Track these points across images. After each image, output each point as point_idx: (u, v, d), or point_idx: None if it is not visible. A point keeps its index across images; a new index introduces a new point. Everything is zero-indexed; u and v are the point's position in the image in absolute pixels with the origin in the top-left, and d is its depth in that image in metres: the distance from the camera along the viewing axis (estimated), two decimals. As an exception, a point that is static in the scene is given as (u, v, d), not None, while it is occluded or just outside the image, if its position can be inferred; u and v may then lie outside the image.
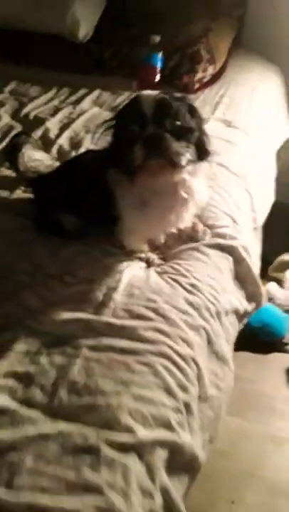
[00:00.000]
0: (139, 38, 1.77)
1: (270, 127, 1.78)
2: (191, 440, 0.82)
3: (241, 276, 1.20)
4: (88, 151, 1.21)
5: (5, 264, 1.02)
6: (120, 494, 0.66)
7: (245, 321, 1.25)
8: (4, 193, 1.25)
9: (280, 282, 2.01)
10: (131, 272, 1.02)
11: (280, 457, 1.54)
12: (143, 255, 1.09)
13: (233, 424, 1.64)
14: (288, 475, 1.50)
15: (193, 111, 0.94)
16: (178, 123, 0.89)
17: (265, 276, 1.98)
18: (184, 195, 0.96)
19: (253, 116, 1.69)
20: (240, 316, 1.18)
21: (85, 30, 1.82)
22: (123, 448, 0.71)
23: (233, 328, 1.13)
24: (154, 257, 1.10)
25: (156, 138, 0.87)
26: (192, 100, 0.99)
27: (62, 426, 0.73)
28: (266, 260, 2.00)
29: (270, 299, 1.95)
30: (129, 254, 1.08)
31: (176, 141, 0.88)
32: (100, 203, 1.01)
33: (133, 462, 0.71)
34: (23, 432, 0.71)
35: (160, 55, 1.71)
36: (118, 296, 0.95)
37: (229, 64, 1.90)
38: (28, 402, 0.77)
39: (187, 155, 0.89)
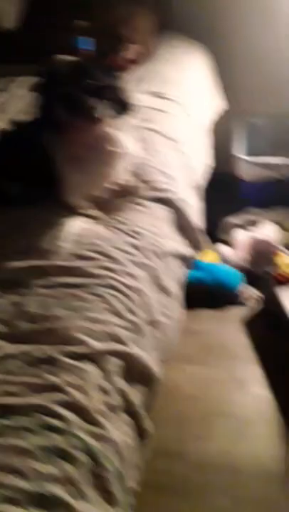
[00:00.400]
0: (67, 25, 1.89)
1: (201, 98, 1.93)
2: (144, 354, 0.95)
3: (182, 225, 1.33)
4: (23, 122, 1.30)
5: None
6: (80, 390, 0.78)
7: (190, 265, 1.38)
8: None
9: (227, 243, 2.17)
10: (76, 225, 1.13)
11: (244, 395, 1.67)
12: (84, 211, 1.20)
13: (198, 371, 1.77)
14: (252, 409, 1.63)
15: (107, 71, 1.06)
16: (92, 82, 1.01)
17: (215, 239, 2.14)
18: (110, 147, 1.08)
19: (184, 89, 1.82)
20: (184, 260, 1.31)
21: (9, 20, 1.91)
22: (79, 357, 0.83)
23: (178, 269, 1.26)
24: (96, 212, 1.21)
25: (74, 97, 0.99)
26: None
27: (24, 347, 0.84)
28: (214, 225, 2.16)
29: (222, 259, 2.10)
30: (74, 211, 1.18)
31: (91, 98, 0.99)
32: (40, 166, 1.12)
33: (89, 367, 0.83)
34: (-11, 356, 0.82)
35: (88, 39, 1.83)
36: (65, 244, 1.06)
37: (158, 43, 2.03)
38: (-10, 335, 0.87)
39: (103, 110, 1.01)
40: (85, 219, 1.17)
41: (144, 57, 1.92)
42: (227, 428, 1.57)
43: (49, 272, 0.99)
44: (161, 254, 1.17)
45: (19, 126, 1.21)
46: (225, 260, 2.10)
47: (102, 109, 1.01)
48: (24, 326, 0.88)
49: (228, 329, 1.92)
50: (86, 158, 1.08)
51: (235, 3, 2.20)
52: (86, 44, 1.83)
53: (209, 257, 2.05)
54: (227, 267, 2.05)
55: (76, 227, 1.11)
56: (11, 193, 1.18)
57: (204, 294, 1.96)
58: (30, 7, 1.96)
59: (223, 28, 2.25)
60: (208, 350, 1.85)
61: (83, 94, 0.99)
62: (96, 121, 1.01)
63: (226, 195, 2.20)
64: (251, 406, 1.65)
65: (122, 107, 1.07)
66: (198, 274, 1.91)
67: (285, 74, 2.31)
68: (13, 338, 0.86)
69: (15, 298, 0.93)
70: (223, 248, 2.14)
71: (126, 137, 1.11)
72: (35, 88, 1.08)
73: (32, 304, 0.92)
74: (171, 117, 1.64)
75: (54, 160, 1.09)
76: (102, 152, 1.08)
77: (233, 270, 2.04)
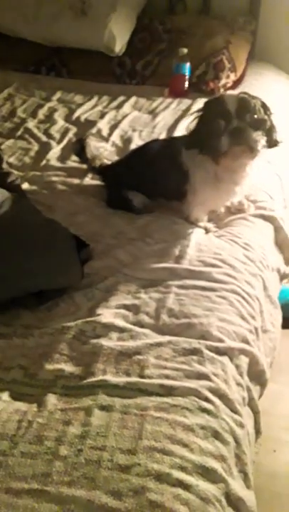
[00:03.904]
0: (168, 51, 2.04)
1: (286, 123, 2.03)
2: (263, 357, 1.04)
3: (279, 242, 1.42)
4: (154, 140, 1.44)
5: (92, 231, 1.24)
6: (222, 381, 0.88)
7: (283, 281, 1.46)
8: (76, 181, 1.48)
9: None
10: (196, 235, 1.24)
11: (314, 412, 1.73)
12: (202, 224, 1.31)
13: (268, 387, 1.83)
14: None
15: (265, 107, 1.17)
16: (255, 117, 1.12)
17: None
18: (249, 171, 1.20)
19: (274, 115, 1.92)
20: (280, 275, 1.39)
21: (120, 45, 2.08)
22: (218, 351, 0.93)
23: (277, 283, 1.34)
24: (210, 225, 1.32)
25: (240, 130, 1.10)
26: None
27: (170, 338, 0.94)
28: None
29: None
30: (192, 223, 1.30)
31: (254, 131, 1.11)
32: (171, 181, 1.24)
33: (227, 362, 0.92)
34: (142, 342, 0.92)
35: (188, 65, 1.97)
36: (191, 251, 1.17)
37: (246, 72, 2.15)
38: (139, 324, 0.98)
39: (262, 142, 1.13)
40: (202, 231, 1.28)
41: (237, 84, 2.05)
42: (297, 442, 1.63)
43: (181, 274, 1.10)
44: (268, 267, 1.26)
45: (152, 144, 1.34)
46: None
47: (260, 141, 1.12)
48: (166, 319, 0.98)
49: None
50: (225, 178, 1.19)
51: None
52: (186, 70, 1.96)
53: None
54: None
55: (198, 237, 1.22)
56: (136, 203, 1.30)
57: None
58: (135, 34, 2.12)
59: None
60: (276, 368, 1.90)
61: (248, 129, 1.10)
62: (254, 151, 1.12)
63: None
64: None
65: (271, 141, 1.18)
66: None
67: None
68: (159, 329, 0.97)
69: (156, 295, 1.04)
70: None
71: (257, 163, 1.22)
72: (201, 113, 1.19)
73: (171, 301, 1.02)
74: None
75: (191, 176, 1.20)
76: (240, 175, 1.20)
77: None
